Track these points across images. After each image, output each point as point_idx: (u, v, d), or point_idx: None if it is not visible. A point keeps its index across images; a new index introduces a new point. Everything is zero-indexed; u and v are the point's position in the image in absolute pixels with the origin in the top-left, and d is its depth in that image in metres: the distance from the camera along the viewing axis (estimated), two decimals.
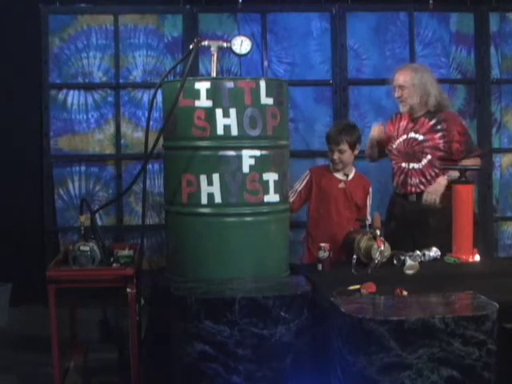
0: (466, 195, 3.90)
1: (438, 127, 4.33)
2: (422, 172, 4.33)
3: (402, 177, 4.39)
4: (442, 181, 4.19)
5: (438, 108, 4.39)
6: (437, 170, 4.30)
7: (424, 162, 4.32)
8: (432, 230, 4.26)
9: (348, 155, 4.19)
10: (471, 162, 4.30)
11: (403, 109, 4.40)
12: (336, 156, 4.19)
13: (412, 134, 4.38)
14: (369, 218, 4.06)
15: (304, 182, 4.25)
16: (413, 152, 4.35)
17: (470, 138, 4.51)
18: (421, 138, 4.34)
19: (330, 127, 4.51)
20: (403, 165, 4.39)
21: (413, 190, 4.35)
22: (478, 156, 4.42)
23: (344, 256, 3.87)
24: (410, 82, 4.35)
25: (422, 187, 4.32)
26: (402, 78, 4.38)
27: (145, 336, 3.49)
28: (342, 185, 4.21)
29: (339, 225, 4.13)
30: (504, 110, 6.05)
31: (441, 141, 4.31)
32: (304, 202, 4.28)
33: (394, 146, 4.46)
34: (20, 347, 4.70)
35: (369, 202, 4.33)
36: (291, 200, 4.11)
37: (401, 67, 4.55)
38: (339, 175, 4.24)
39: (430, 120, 4.36)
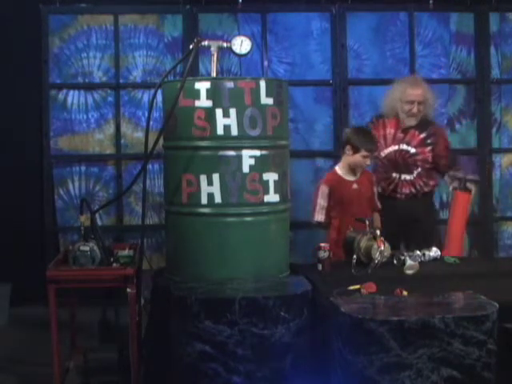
0: (462, 201, 4.12)
1: (428, 141, 4.40)
2: (412, 183, 4.43)
3: (391, 186, 4.44)
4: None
5: (428, 120, 4.46)
6: (425, 180, 4.43)
7: (415, 173, 4.41)
8: (423, 225, 4.41)
9: None
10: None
11: (412, 122, 4.40)
12: (370, 162, 4.20)
13: (404, 146, 4.42)
14: (379, 205, 4.25)
15: (326, 197, 4.15)
16: (405, 164, 4.41)
17: (452, 151, 4.66)
18: (413, 150, 4.40)
19: (361, 133, 4.27)
20: (394, 175, 4.43)
21: (403, 197, 4.44)
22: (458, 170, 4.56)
23: (344, 256, 3.87)
24: (428, 97, 4.39)
25: (411, 196, 4.42)
26: (422, 93, 4.37)
27: (145, 336, 3.49)
28: (355, 185, 4.18)
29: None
30: (504, 110, 6.05)
31: (430, 154, 4.41)
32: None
33: (383, 155, 4.47)
34: (20, 347, 4.70)
35: (375, 190, 4.32)
36: (320, 219, 4.15)
37: (411, 81, 4.50)
38: (349, 177, 4.20)
39: (421, 133, 4.41)
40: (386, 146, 4.47)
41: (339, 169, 4.23)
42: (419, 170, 4.41)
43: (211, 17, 5.79)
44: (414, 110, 4.35)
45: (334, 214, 4.14)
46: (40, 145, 5.70)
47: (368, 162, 4.17)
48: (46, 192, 5.73)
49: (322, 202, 4.15)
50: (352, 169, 4.19)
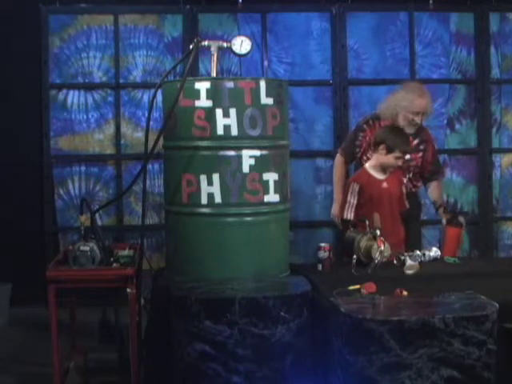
0: (453, 236, 4.18)
1: (421, 147, 4.38)
2: (404, 187, 4.39)
3: None
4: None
5: (421, 126, 4.44)
6: (415, 183, 4.44)
7: (407, 177, 4.39)
8: (411, 225, 4.42)
9: None
10: (436, 186, 4.53)
11: (411, 130, 4.37)
12: (402, 163, 4.13)
13: None
14: (407, 205, 4.19)
15: (356, 195, 4.04)
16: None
17: (438, 157, 4.67)
18: (407, 156, 4.31)
19: (398, 134, 4.16)
20: None
21: None
22: (442, 177, 4.64)
23: (345, 256, 3.87)
24: (430, 107, 4.42)
25: None
26: (428, 104, 4.36)
27: (145, 336, 3.49)
28: (385, 184, 4.09)
29: (393, 222, 4.10)
30: (504, 110, 6.06)
31: (420, 160, 4.39)
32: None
33: None
34: (20, 347, 4.70)
35: (404, 190, 4.24)
36: (350, 217, 4.02)
37: (419, 91, 4.42)
38: (379, 175, 4.10)
39: (414, 138, 4.39)
40: None
41: (369, 167, 4.13)
42: (410, 174, 4.41)
43: (211, 17, 5.79)
44: (418, 120, 4.32)
45: (363, 212, 3.99)
46: (40, 145, 5.70)
47: (400, 162, 4.08)
48: (46, 192, 5.73)
49: (351, 199, 4.03)
50: (383, 168, 4.10)
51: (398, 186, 4.17)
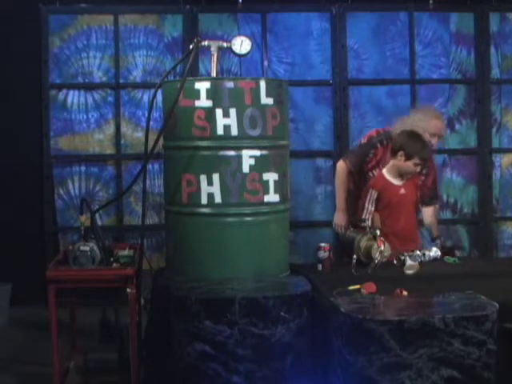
0: None
1: (423, 171, 4.29)
2: None
3: None
4: None
5: None
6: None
7: None
8: None
9: None
10: (432, 213, 4.40)
11: None
12: (420, 169, 4.10)
13: None
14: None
15: (374, 202, 4.02)
16: None
17: (437, 184, 4.59)
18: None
19: (417, 141, 4.07)
20: None
21: None
22: (438, 202, 4.61)
23: (345, 256, 3.87)
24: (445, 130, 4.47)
25: None
26: (444, 126, 4.37)
27: (145, 336, 3.49)
28: (402, 190, 4.06)
29: (411, 229, 4.14)
30: (504, 110, 6.06)
31: (420, 183, 4.31)
32: None
33: None
34: (20, 347, 4.70)
35: (419, 194, 4.22)
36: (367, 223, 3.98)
37: (435, 113, 4.42)
38: (397, 181, 4.07)
39: None
40: None
41: (387, 173, 4.09)
42: None
43: (211, 17, 5.79)
44: (434, 141, 4.26)
45: (381, 218, 4.00)
46: (40, 145, 5.70)
47: (418, 169, 4.05)
48: (45, 192, 5.73)
49: (369, 206, 4.02)
50: (400, 174, 4.06)
51: (414, 190, 4.16)
